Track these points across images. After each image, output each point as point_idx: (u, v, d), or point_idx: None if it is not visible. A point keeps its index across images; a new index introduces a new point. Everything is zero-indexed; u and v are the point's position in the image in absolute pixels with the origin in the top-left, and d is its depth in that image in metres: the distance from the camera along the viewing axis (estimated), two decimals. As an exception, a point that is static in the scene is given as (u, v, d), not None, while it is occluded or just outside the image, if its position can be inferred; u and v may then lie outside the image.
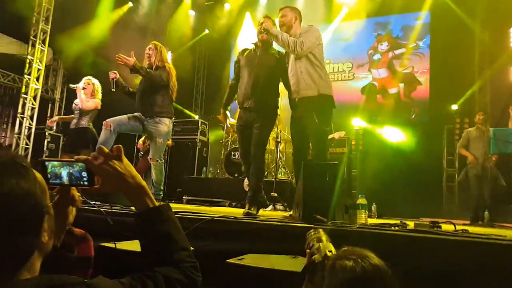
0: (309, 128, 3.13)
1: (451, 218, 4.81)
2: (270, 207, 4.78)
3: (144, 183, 0.93)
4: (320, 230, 1.12)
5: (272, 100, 3.40)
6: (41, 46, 7.90)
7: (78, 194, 1.01)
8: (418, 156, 6.71)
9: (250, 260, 1.85)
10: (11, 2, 6.81)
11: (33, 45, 7.80)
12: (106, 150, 0.90)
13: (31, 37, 7.78)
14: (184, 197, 5.81)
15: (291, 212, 3.21)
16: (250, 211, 3.02)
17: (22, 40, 8.28)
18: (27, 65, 7.77)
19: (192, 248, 2.07)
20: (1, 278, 0.65)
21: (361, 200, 2.75)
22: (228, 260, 1.81)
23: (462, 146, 5.46)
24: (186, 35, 9.32)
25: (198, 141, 6.82)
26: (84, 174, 0.90)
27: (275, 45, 3.41)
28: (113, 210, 2.52)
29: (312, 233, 1.11)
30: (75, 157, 0.91)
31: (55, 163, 0.92)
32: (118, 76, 3.74)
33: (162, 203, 0.95)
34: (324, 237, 1.07)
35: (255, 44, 3.45)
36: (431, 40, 7.87)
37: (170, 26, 8.97)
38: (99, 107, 4.73)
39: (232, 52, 9.40)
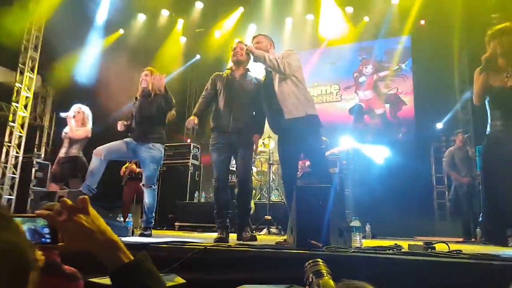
0: (304, 149, 3.15)
1: (444, 235, 4.84)
2: (265, 230, 4.74)
3: (115, 236, 0.85)
4: (319, 261, 1.10)
5: (258, 124, 3.44)
6: (30, 74, 7.89)
7: (40, 253, 0.84)
8: (408, 174, 6.80)
9: (246, 290, 1.82)
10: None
11: (22, 73, 7.78)
12: (69, 202, 0.81)
13: (20, 65, 7.77)
14: (176, 223, 5.73)
15: (286, 237, 3.20)
16: (253, 235, 3.08)
17: (9, 68, 8.25)
18: (15, 93, 7.72)
19: (183, 281, 2.04)
20: None
21: (355, 223, 2.75)
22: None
23: (448, 165, 5.56)
24: (177, 60, 9.45)
25: (190, 165, 6.80)
26: (47, 230, 0.81)
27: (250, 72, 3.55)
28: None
29: (311, 264, 1.09)
30: (36, 212, 0.82)
31: (17, 219, 0.78)
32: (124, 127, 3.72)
33: (139, 254, 0.86)
34: (324, 270, 1.06)
35: (231, 68, 3.53)
36: (413, 62, 8.18)
37: (160, 52, 9.09)
38: (90, 135, 4.68)
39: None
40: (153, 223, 3.74)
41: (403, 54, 8.30)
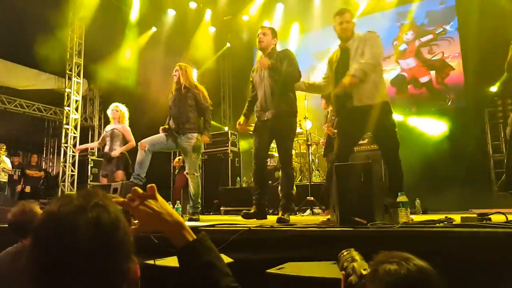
0: (379, 131, 3.20)
1: (504, 207, 4.51)
2: (308, 211, 4.73)
3: (181, 218, 0.95)
4: (352, 250, 1.10)
5: (289, 108, 3.41)
6: (77, 78, 8.39)
7: None
8: (460, 144, 6.39)
9: (290, 269, 1.83)
10: (45, 41, 7.30)
11: (70, 78, 8.30)
12: (140, 191, 0.92)
13: (67, 71, 8.29)
14: (221, 208, 5.90)
15: (329, 216, 3.17)
16: (283, 217, 3.05)
17: (59, 75, 8.83)
18: (66, 98, 8.27)
19: (232, 260, 2.10)
20: None
21: (402, 198, 2.65)
22: (268, 270, 1.81)
23: None
24: (208, 51, 9.53)
25: (229, 152, 6.92)
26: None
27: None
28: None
29: (345, 253, 1.09)
30: (113, 200, 0.93)
31: None
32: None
33: (201, 233, 0.97)
34: (357, 257, 1.05)
35: (261, 56, 3.55)
36: (459, 22, 7.52)
37: (192, 44, 9.22)
38: (128, 131, 4.93)
39: (255, 60, 9.47)
40: (200, 208, 3.90)
41: (447, 15, 7.67)
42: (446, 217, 2.47)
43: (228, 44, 9.96)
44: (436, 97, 7.62)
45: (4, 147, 7.66)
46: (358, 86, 3.08)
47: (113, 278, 0.70)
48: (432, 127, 6.87)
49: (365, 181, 2.44)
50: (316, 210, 4.64)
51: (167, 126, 3.91)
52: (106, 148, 4.92)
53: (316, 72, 8.55)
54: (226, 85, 10.64)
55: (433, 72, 7.77)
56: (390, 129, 3.23)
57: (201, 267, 0.91)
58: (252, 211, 3.35)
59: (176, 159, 6.71)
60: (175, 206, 3.75)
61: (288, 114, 3.39)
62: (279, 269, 1.86)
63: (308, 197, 4.78)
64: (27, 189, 8.00)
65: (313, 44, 8.84)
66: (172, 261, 1.92)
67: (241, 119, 3.67)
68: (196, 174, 3.82)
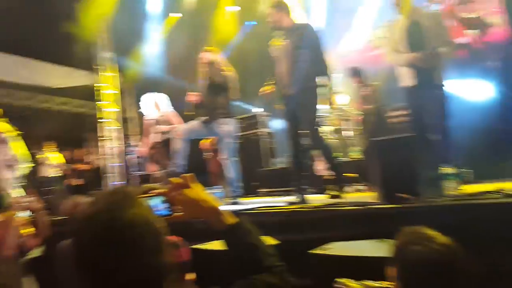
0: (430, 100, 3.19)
1: None
2: (350, 188, 4.67)
3: (216, 204, 0.99)
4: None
5: (311, 82, 3.35)
6: (108, 72, 8.62)
7: None
8: (510, 106, 5.97)
9: (333, 249, 1.83)
10: (74, 38, 7.54)
11: (101, 73, 8.56)
12: (177, 180, 0.98)
13: (99, 66, 8.54)
14: (260, 190, 5.95)
15: (372, 192, 3.12)
16: (337, 194, 3.11)
17: (92, 70, 9.12)
18: (100, 92, 8.55)
19: (277, 242, 2.13)
20: None
21: (448, 169, 2.53)
22: (310, 251, 1.82)
23: None
24: (233, 30, 9.39)
25: (263, 133, 6.91)
26: (165, 205, 0.97)
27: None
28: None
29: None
30: (155, 191, 0.99)
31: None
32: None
33: (240, 217, 1.00)
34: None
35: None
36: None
37: (217, 25, 9.13)
38: (169, 117, 4.98)
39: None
40: (240, 192, 3.95)
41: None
42: (498, 188, 2.34)
43: (253, 22, 9.78)
44: (476, 59, 7.13)
45: (51, 143, 8.11)
46: None
47: (143, 274, 0.74)
48: (475, 91, 6.47)
49: (408, 155, 2.36)
50: (358, 186, 4.56)
51: (197, 94, 3.93)
52: (155, 136, 5.01)
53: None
54: (253, 63, 10.49)
55: (471, 32, 7.25)
56: None
57: (244, 249, 0.95)
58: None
59: (203, 141, 6.69)
60: (215, 191, 3.83)
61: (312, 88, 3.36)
62: (323, 249, 1.87)
63: (346, 174, 4.71)
64: (77, 182, 8.48)
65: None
66: (216, 245, 1.97)
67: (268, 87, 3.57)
68: (232, 158, 3.85)
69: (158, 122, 4.96)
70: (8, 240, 1.48)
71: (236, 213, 1.03)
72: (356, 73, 4.75)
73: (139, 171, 8.02)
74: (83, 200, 2.39)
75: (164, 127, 4.87)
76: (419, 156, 2.39)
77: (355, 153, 5.71)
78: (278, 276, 0.93)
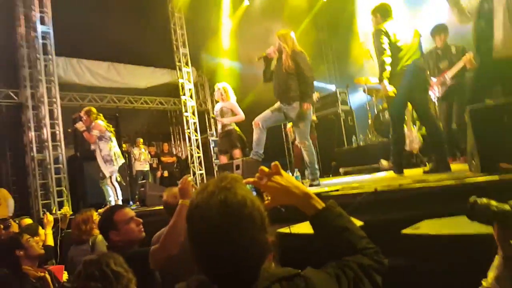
0: None
1: None
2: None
3: (307, 189, 1.00)
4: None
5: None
6: (186, 68, 9.12)
7: None
8: None
9: (427, 227, 1.70)
10: (154, 39, 8.08)
11: (180, 69, 9.08)
12: (266, 169, 1.00)
13: (177, 63, 9.07)
14: (340, 170, 5.80)
15: (467, 164, 2.82)
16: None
17: (170, 68, 9.74)
18: (181, 88, 9.10)
19: (362, 223, 2.05)
20: (252, 271, 0.83)
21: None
22: (403, 231, 1.72)
23: None
24: (304, 10, 9.15)
25: (340, 111, 6.69)
26: (254, 193, 0.99)
27: None
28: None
29: (478, 201, 0.98)
30: (244, 181, 1.00)
31: None
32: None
33: (329, 201, 1.00)
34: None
35: None
36: None
37: (287, 6, 8.98)
38: (236, 108, 5.02)
39: (357, 7, 8.72)
40: (318, 173, 3.88)
41: None
42: None
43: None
44: None
45: (141, 140, 8.91)
46: None
47: (250, 250, 0.80)
48: None
49: (509, 122, 2.08)
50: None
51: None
52: (219, 127, 5.20)
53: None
54: (327, 42, 10.16)
55: None
56: None
57: (335, 232, 0.95)
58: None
59: (288, 126, 6.73)
60: (294, 174, 3.83)
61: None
62: (414, 228, 1.75)
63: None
64: (165, 174, 9.21)
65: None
66: (304, 228, 1.97)
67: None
68: (307, 142, 3.77)
69: (222, 112, 5.08)
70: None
71: (318, 196, 1.01)
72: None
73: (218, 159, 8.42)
74: (174, 190, 2.57)
75: (225, 119, 4.99)
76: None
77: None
78: (371, 258, 0.93)
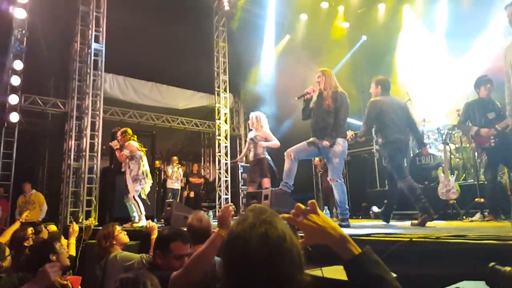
0: None
1: None
2: (478, 215, 4.07)
3: (344, 233, 0.97)
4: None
5: None
6: (224, 94, 9.37)
7: None
8: None
9: (468, 289, 1.58)
10: (197, 65, 8.42)
11: (218, 94, 9.34)
12: (303, 207, 0.98)
13: (216, 88, 9.34)
14: (371, 212, 5.59)
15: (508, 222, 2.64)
16: None
17: (208, 92, 10.06)
18: (216, 112, 9.32)
19: (395, 275, 1.94)
20: None
21: None
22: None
23: None
24: (344, 48, 9.29)
25: (375, 151, 6.54)
26: None
27: None
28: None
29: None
30: (281, 216, 0.99)
31: None
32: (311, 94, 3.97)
33: (366, 247, 0.97)
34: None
35: None
36: None
37: (327, 45, 9.15)
38: (269, 136, 5.10)
39: (396, 49, 8.74)
40: (348, 214, 3.76)
41: None
42: None
43: (363, 37, 9.54)
44: None
45: (176, 158, 9.08)
46: None
47: (289, 286, 0.79)
48: None
49: None
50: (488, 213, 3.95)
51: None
52: (251, 155, 5.23)
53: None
54: (364, 79, 10.15)
55: None
56: None
57: (370, 280, 0.91)
58: None
59: (317, 158, 6.66)
60: (324, 212, 3.73)
61: None
62: (454, 288, 1.62)
63: (476, 199, 4.12)
64: (191, 194, 9.26)
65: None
66: (337, 272, 1.89)
67: None
68: (339, 180, 3.70)
69: (255, 140, 5.10)
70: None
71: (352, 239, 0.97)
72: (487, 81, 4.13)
73: (245, 185, 8.39)
74: (205, 216, 2.55)
75: (260, 145, 5.00)
76: None
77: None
78: None
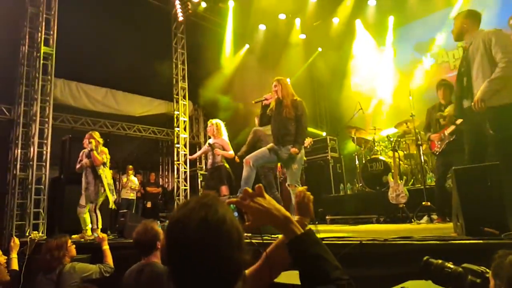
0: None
1: None
2: (425, 218, 4.33)
3: (288, 213, 1.01)
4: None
5: None
6: (183, 101, 9.26)
7: None
8: None
9: (413, 288, 1.69)
10: (155, 71, 8.27)
11: (177, 102, 9.21)
12: (250, 190, 1.02)
13: (175, 95, 9.22)
14: (327, 217, 5.77)
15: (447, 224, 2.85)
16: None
17: (167, 99, 9.88)
18: (175, 119, 9.18)
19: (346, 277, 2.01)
20: None
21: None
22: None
23: None
24: (300, 58, 9.58)
25: (330, 158, 6.77)
26: (235, 214, 1.01)
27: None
28: (264, 241, 2.65)
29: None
30: (227, 200, 1.04)
31: None
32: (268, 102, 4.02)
33: (308, 227, 1.02)
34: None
35: None
36: None
37: (284, 55, 9.38)
38: (226, 144, 5.13)
39: (349, 61, 9.17)
40: (307, 220, 3.83)
41: None
42: None
43: (319, 49, 9.90)
44: None
45: (132, 167, 8.79)
46: None
47: (226, 268, 0.82)
48: None
49: (493, 185, 2.13)
50: (434, 216, 4.21)
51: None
52: (209, 163, 5.24)
53: (420, 65, 7.87)
54: (320, 90, 10.52)
55: None
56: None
57: (310, 258, 0.94)
58: None
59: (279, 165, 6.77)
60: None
61: None
62: (399, 288, 1.73)
63: (424, 203, 4.39)
64: (148, 204, 8.99)
65: (413, 36, 8.22)
66: (287, 278, 1.93)
67: None
68: (297, 185, 3.79)
69: (212, 147, 5.13)
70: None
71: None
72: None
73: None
74: (152, 224, 2.51)
75: (218, 150, 5.04)
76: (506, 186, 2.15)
77: (431, 180, 5.31)
78: None
